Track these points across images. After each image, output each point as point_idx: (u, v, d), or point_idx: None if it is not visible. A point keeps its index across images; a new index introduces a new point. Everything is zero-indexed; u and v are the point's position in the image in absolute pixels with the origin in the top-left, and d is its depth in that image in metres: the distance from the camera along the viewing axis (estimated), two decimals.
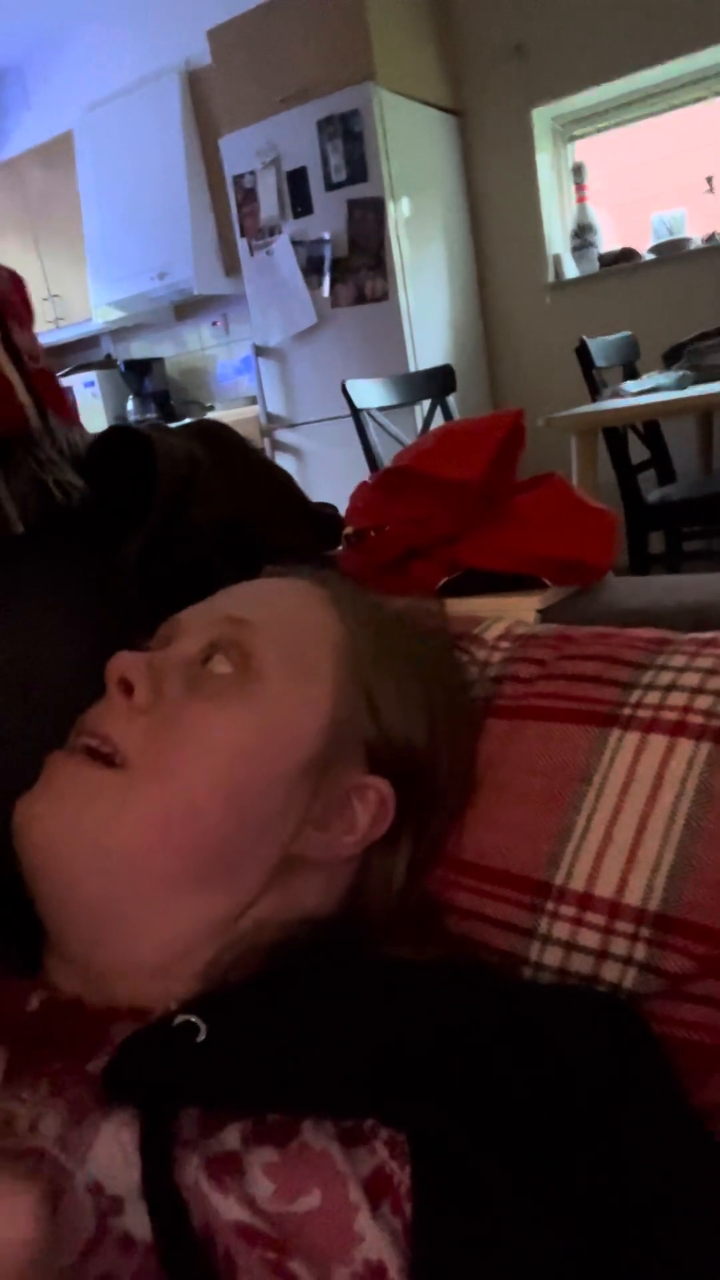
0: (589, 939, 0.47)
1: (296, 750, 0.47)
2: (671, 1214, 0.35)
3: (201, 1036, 0.38)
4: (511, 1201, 0.33)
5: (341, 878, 0.49)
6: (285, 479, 0.84)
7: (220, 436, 0.77)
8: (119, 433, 0.69)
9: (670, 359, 2.50)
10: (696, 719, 0.49)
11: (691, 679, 0.51)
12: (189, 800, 0.44)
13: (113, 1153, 0.34)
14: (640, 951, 0.46)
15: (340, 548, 0.84)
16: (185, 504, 0.67)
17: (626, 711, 0.52)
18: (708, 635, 0.55)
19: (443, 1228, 0.32)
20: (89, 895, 0.44)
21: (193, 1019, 0.38)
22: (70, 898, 0.44)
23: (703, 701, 0.50)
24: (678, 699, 0.51)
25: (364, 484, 0.85)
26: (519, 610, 0.72)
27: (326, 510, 0.86)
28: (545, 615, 0.73)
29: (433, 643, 0.58)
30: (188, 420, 0.84)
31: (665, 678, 0.52)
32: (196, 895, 0.44)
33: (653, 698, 0.52)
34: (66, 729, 0.49)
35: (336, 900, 0.49)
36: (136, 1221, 0.33)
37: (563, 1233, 0.33)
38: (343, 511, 0.85)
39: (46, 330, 4.39)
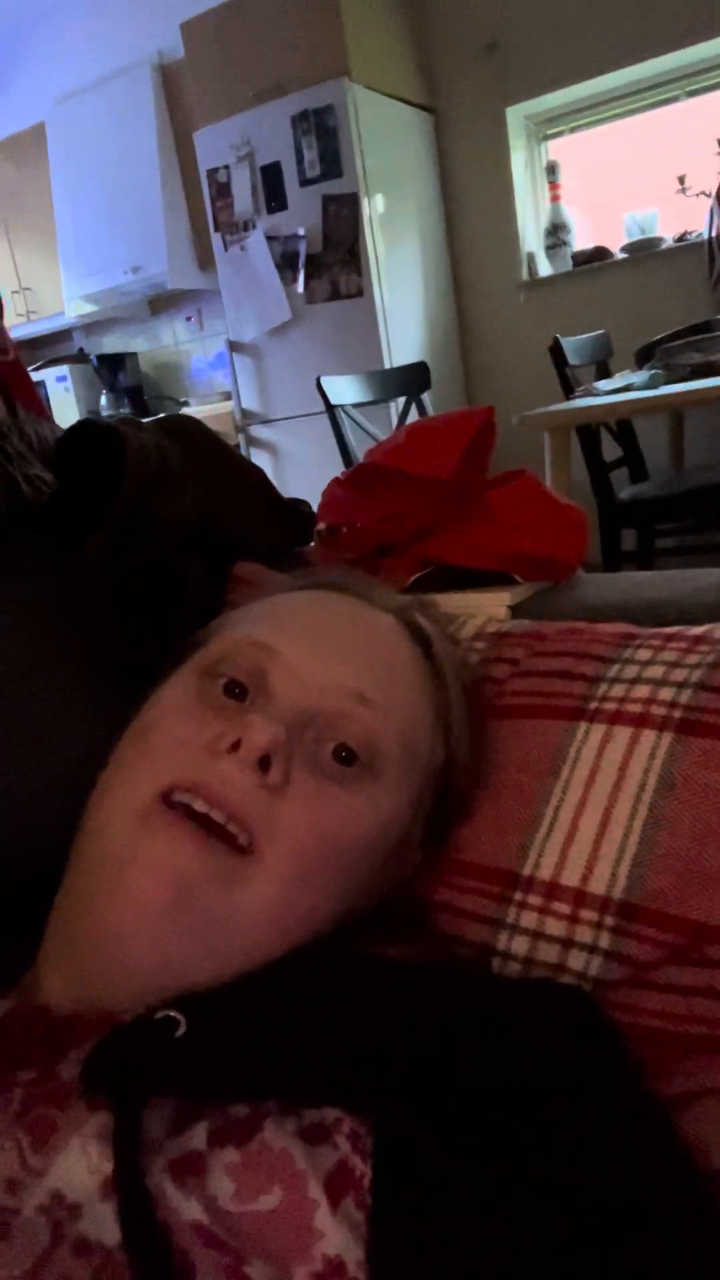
0: (555, 928, 0.48)
1: (398, 833, 0.48)
2: (632, 1204, 0.35)
3: (181, 1030, 0.38)
4: (470, 1192, 0.33)
5: None
6: (257, 474, 0.84)
7: (191, 432, 0.77)
8: (88, 427, 0.69)
9: (642, 358, 2.52)
10: (659, 710, 0.50)
11: (655, 672, 0.52)
12: (315, 900, 0.44)
13: (78, 1160, 0.34)
14: (605, 939, 0.47)
15: (312, 544, 0.84)
16: (154, 499, 0.67)
17: (593, 705, 0.53)
18: (672, 630, 0.56)
19: (401, 1218, 0.33)
20: (179, 968, 0.41)
21: (172, 1014, 0.39)
22: (150, 970, 0.41)
23: (665, 693, 0.51)
24: (642, 691, 0.52)
25: (336, 480, 0.85)
26: (490, 606, 0.73)
27: (299, 506, 0.86)
28: (516, 611, 0.73)
29: (459, 649, 0.59)
30: (159, 416, 0.84)
31: (631, 671, 0.53)
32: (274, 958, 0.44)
33: (618, 690, 0.52)
34: (22, 725, 0.48)
35: None
36: (95, 1224, 0.33)
37: (522, 1223, 0.33)
38: (316, 508, 0.85)
39: (18, 324, 4.34)
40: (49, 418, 0.79)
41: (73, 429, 0.70)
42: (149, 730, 0.46)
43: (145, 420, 0.77)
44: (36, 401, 0.80)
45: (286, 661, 0.47)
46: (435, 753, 0.50)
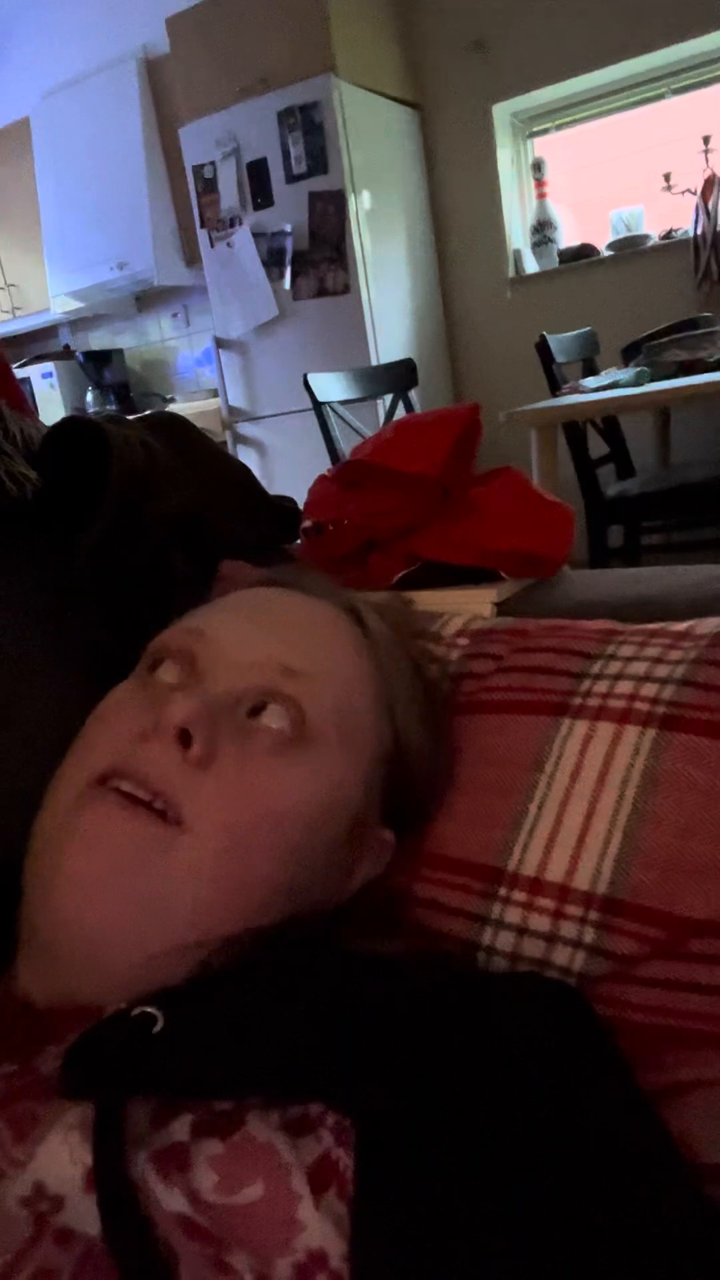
0: (540, 923, 0.48)
1: (346, 811, 0.47)
2: (618, 1197, 0.35)
3: (159, 1026, 0.38)
4: (454, 1184, 0.33)
5: None
6: (243, 471, 0.84)
7: (176, 428, 0.76)
8: (73, 423, 0.69)
9: (628, 355, 2.53)
10: (642, 706, 0.50)
11: (638, 668, 0.53)
12: (254, 869, 0.44)
13: (59, 1151, 0.34)
14: (589, 934, 0.47)
15: (298, 541, 0.84)
16: (141, 497, 0.67)
17: (577, 701, 0.53)
18: (655, 626, 0.57)
19: (383, 1210, 0.33)
20: (123, 942, 0.41)
21: (150, 1010, 0.39)
22: (100, 945, 0.41)
23: (648, 689, 0.51)
24: (625, 687, 0.52)
25: (322, 477, 0.85)
26: (476, 603, 0.73)
27: (285, 503, 0.86)
28: (502, 608, 0.74)
29: (418, 644, 0.59)
30: (145, 412, 0.84)
31: (614, 667, 0.54)
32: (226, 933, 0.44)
33: (601, 686, 0.53)
34: (5, 721, 0.48)
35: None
36: (78, 1215, 0.33)
37: (506, 1215, 0.33)
38: (303, 504, 0.85)
39: (3, 320, 4.31)
40: (33, 415, 0.79)
41: (58, 426, 0.69)
42: (90, 727, 0.48)
43: (130, 417, 0.77)
44: (20, 398, 0.80)
45: (213, 642, 0.48)
46: (381, 732, 0.50)
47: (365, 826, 0.49)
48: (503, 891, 0.50)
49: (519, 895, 0.49)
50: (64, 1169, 0.34)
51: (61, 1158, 0.34)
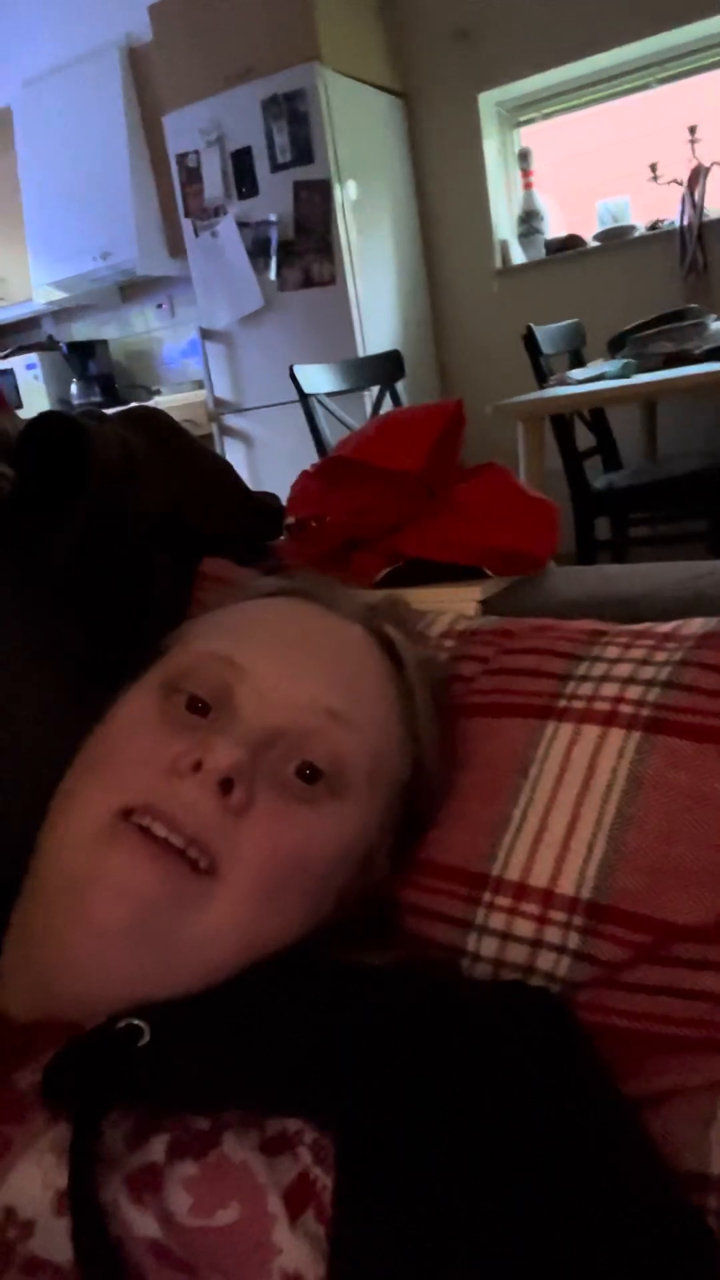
0: (524, 928, 0.48)
1: (363, 847, 0.47)
2: (602, 1209, 0.35)
3: (145, 1040, 0.37)
4: (435, 1200, 0.33)
5: None
6: (224, 467, 0.83)
7: (156, 423, 0.75)
8: (50, 419, 0.67)
9: (615, 347, 2.52)
10: (627, 709, 0.50)
11: (624, 670, 0.52)
12: (278, 916, 0.43)
13: (32, 1175, 0.34)
14: (573, 940, 0.47)
15: (282, 537, 0.83)
16: (120, 494, 0.66)
17: (562, 703, 0.52)
18: (640, 626, 0.56)
19: (363, 1229, 0.32)
20: (132, 984, 0.40)
21: (136, 1022, 0.38)
22: (107, 986, 0.40)
23: (634, 692, 0.51)
24: (610, 690, 0.51)
25: (305, 473, 0.84)
26: (460, 601, 0.72)
27: (267, 499, 0.85)
28: (486, 605, 0.73)
29: (427, 650, 0.58)
30: (128, 406, 0.82)
31: (599, 669, 0.53)
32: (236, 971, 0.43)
33: (586, 689, 0.52)
34: None
35: None
36: (46, 1242, 0.32)
37: (489, 1232, 0.33)
38: (287, 499, 0.84)
39: None
40: (10, 410, 0.78)
41: (34, 421, 0.68)
42: (108, 747, 0.46)
43: (109, 411, 0.75)
44: None
45: (252, 678, 0.46)
46: (403, 764, 0.50)
47: (375, 855, 0.49)
48: (487, 897, 0.49)
49: (503, 900, 0.49)
50: (36, 1192, 0.33)
51: (35, 1181, 0.33)
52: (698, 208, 3.00)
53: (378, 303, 3.20)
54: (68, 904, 0.40)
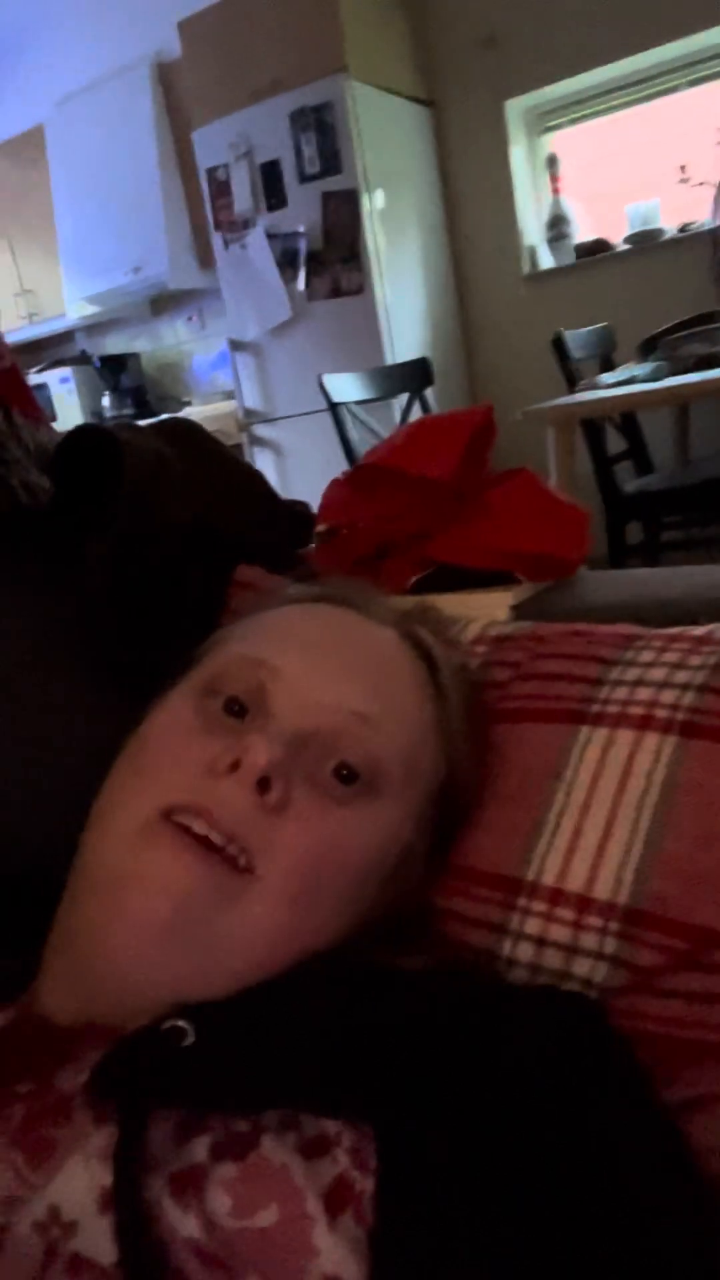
0: (560, 934, 0.47)
1: (398, 848, 0.47)
2: (640, 1215, 0.35)
3: (189, 1040, 0.38)
4: (474, 1203, 0.33)
5: None
6: (255, 476, 0.83)
7: (188, 435, 0.76)
8: (86, 432, 0.69)
9: (646, 350, 2.50)
10: (662, 713, 0.50)
11: (658, 674, 0.52)
12: (315, 915, 0.44)
13: (79, 1176, 0.34)
14: (610, 945, 0.46)
15: (312, 545, 0.84)
16: (153, 504, 0.67)
17: (595, 708, 0.52)
18: (674, 630, 0.56)
19: (403, 1232, 0.32)
20: (173, 985, 0.41)
21: (180, 1023, 0.39)
22: (148, 985, 0.41)
23: (668, 695, 0.50)
24: (644, 694, 0.51)
25: (336, 481, 0.84)
26: (492, 607, 0.72)
27: (298, 508, 0.86)
28: (518, 611, 0.73)
29: (461, 655, 0.58)
30: (161, 417, 0.83)
31: (633, 673, 0.53)
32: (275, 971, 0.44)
33: (620, 693, 0.52)
34: (22, 728, 0.47)
35: None
36: (90, 1242, 0.32)
37: (528, 1236, 0.32)
38: (318, 507, 0.85)
39: (20, 326, 4.34)
40: (46, 423, 0.79)
41: (70, 434, 0.69)
42: (148, 749, 0.46)
43: (142, 423, 0.77)
44: (34, 408, 0.80)
45: (286, 679, 0.46)
46: (437, 767, 0.50)
47: (410, 856, 0.49)
48: (522, 902, 0.49)
49: (539, 906, 0.48)
50: (81, 1193, 0.33)
51: (80, 1182, 0.34)
52: None
53: (406, 311, 3.21)
54: (109, 901, 0.41)
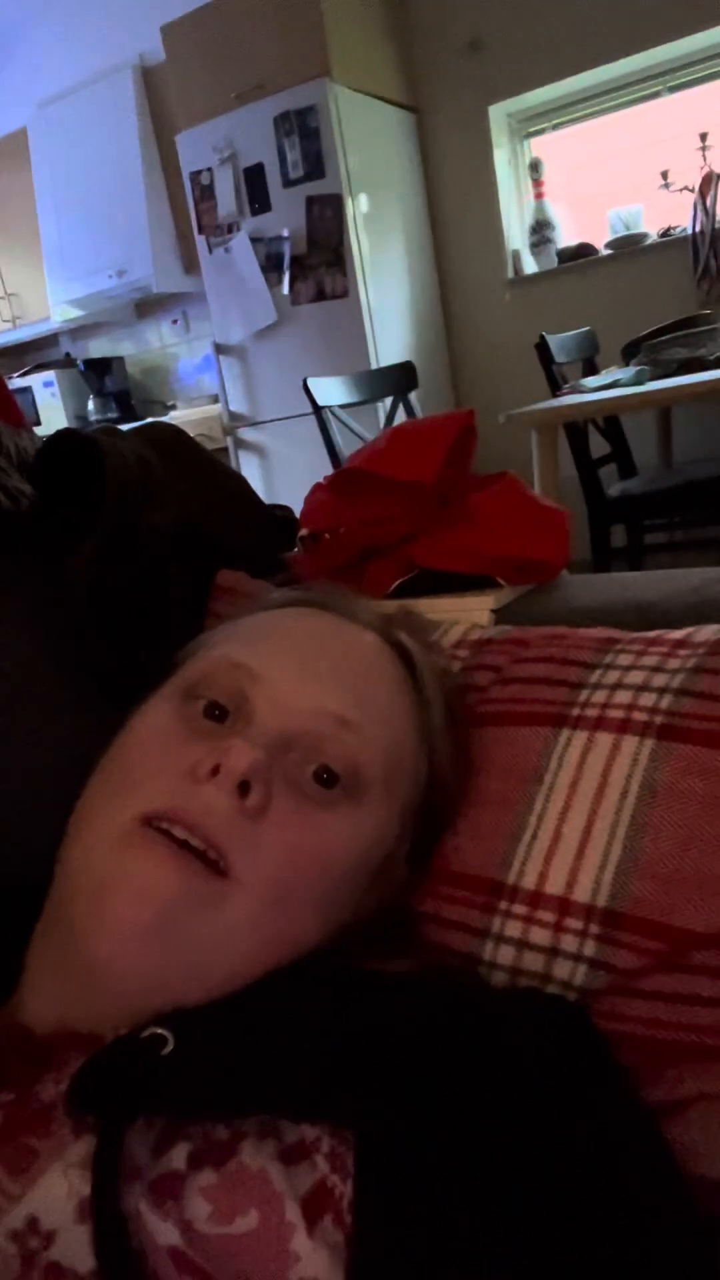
0: (540, 937, 0.48)
1: (380, 852, 0.48)
2: (624, 1217, 0.35)
3: (169, 1048, 0.38)
4: (455, 1208, 0.33)
5: None
6: (238, 480, 0.83)
7: (171, 439, 0.76)
8: (67, 437, 0.69)
9: (629, 354, 2.52)
10: (641, 716, 0.50)
11: (637, 677, 0.52)
12: (295, 921, 0.44)
13: (58, 1185, 0.34)
14: (590, 948, 0.46)
15: (295, 550, 0.84)
16: (136, 509, 0.67)
17: (575, 711, 0.52)
18: (653, 634, 0.56)
19: (383, 1237, 0.32)
20: (156, 990, 0.41)
21: (160, 1031, 0.38)
22: (131, 992, 0.41)
23: (646, 699, 0.51)
24: (623, 697, 0.51)
25: (318, 485, 0.84)
26: (474, 610, 0.73)
27: (281, 512, 0.86)
28: (500, 615, 0.73)
29: (442, 659, 0.58)
30: (144, 421, 0.83)
31: (612, 676, 0.53)
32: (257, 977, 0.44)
33: (600, 696, 0.52)
34: (2, 737, 0.47)
35: None
36: (68, 1251, 0.32)
37: (509, 1239, 0.33)
38: (301, 511, 0.85)
39: (3, 330, 4.32)
40: (28, 428, 0.79)
41: (51, 439, 0.69)
42: (129, 755, 0.46)
43: (124, 428, 0.77)
44: (15, 413, 0.80)
45: (267, 683, 0.46)
46: (419, 770, 0.50)
47: (392, 860, 0.49)
48: (503, 905, 0.49)
49: (519, 909, 0.49)
50: (60, 1202, 0.33)
51: (59, 1191, 0.34)
52: (710, 214, 3.00)
53: (390, 314, 3.22)
54: (91, 907, 0.41)
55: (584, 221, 3.42)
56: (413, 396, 2.51)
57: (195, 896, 0.40)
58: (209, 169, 3.24)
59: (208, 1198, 0.33)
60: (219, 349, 3.39)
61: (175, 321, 4.16)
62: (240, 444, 3.46)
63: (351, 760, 0.45)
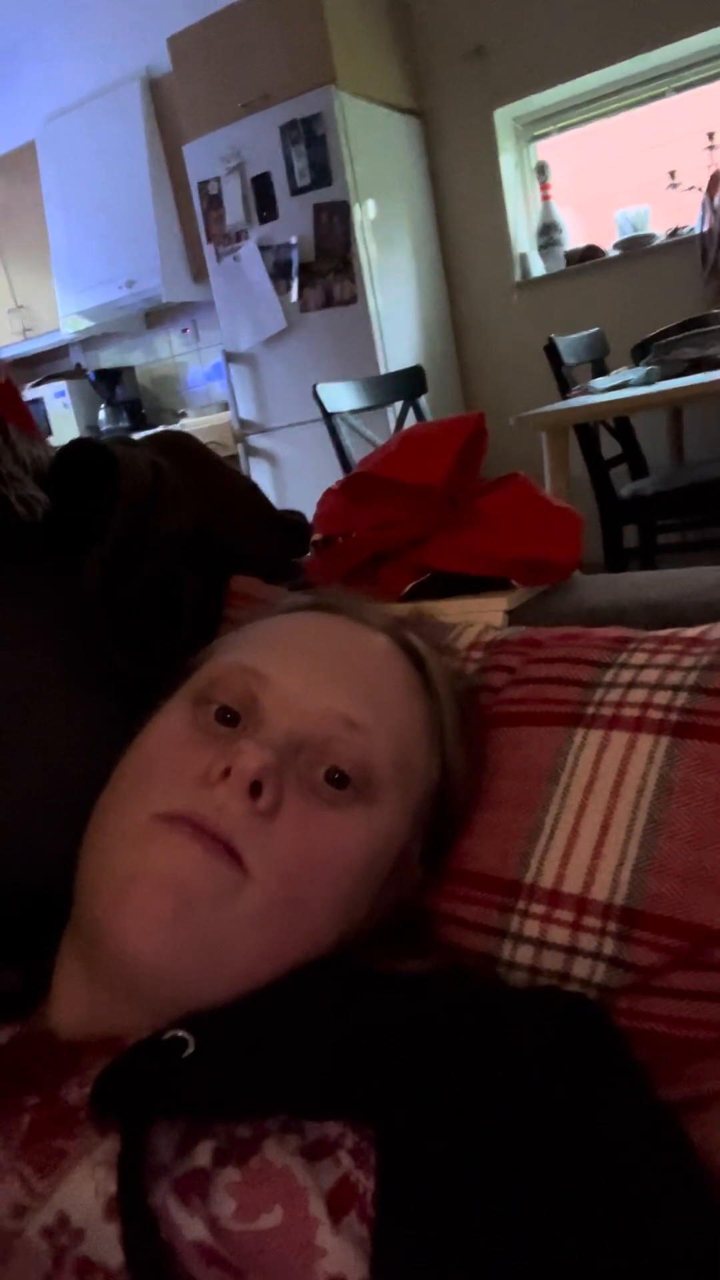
0: (558, 936, 0.48)
1: (393, 852, 0.48)
2: (643, 1214, 0.35)
3: (189, 1050, 0.38)
4: (476, 1203, 0.33)
5: None
6: (250, 487, 0.84)
7: (183, 447, 0.77)
8: (81, 446, 0.69)
9: (638, 354, 2.52)
10: (656, 714, 0.50)
11: (651, 675, 0.52)
12: (309, 918, 0.44)
13: (85, 1183, 0.34)
14: (608, 946, 0.47)
15: (308, 554, 0.84)
16: (149, 516, 0.67)
17: (590, 710, 0.53)
18: (667, 632, 0.56)
19: (405, 1231, 0.33)
20: (180, 980, 0.41)
21: (180, 1033, 0.39)
22: (156, 981, 0.41)
23: (661, 697, 0.51)
24: (638, 696, 0.51)
25: (330, 490, 0.85)
26: (487, 612, 0.73)
27: (294, 518, 0.87)
28: (513, 616, 0.73)
29: (454, 661, 0.58)
30: (156, 430, 0.84)
31: (626, 675, 0.53)
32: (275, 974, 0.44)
33: (614, 695, 0.52)
34: (23, 742, 0.48)
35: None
36: (97, 1246, 0.33)
37: (530, 1235, 0.33)
38: (313, 517, 0.85)
39: (14, 342, 4.36)
40: (42, 438, 0.80)
41: (66, 448, 0.70)
42: (144, 760, 0.47)
43: (137, 436, 0.77)
44: (29, 422, 0.81)
45: (276, 687, 0.47)
46: (431, 771, 0.50)
47: (407, 859, 0.49)
48: (521, 904, 0.49)
49: (537, 908, 0.49)
50: (88, 1200, 0.34)
51: (87, 1189, 0.34)
52: (717, 213, 2.99)
53: (399, 319, 3.23)
54: (114, 899, 0.41)
55: (591, 223, 3.42)
56: (422, 401, 2.52)
57: (216, 888, 0.41)
58: (217, 178, 3.26)
59: (233, 1194, 0.33)
60: (228, 357, 3.41)
61: (185, 330, 4.19)
62: (251, 451, 3.47)
63: (361, 761, 0.45)
